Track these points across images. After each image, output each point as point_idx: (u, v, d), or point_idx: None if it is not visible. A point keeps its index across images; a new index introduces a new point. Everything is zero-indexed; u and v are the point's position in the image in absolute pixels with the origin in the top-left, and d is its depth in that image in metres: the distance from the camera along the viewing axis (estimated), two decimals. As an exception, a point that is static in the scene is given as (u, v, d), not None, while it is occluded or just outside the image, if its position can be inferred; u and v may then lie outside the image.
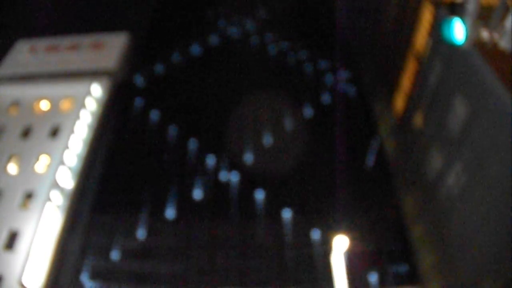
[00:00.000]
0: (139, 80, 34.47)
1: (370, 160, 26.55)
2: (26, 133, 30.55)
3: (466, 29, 9.94)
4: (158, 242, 24.29)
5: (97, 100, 33.07)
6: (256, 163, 27.46)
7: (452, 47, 16.69)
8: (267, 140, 28.73)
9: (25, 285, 22.93)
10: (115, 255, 23.96)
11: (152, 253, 23.93)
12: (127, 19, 41.71)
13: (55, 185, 27.04)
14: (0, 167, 28.51)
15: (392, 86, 27.39)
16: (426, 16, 21.39)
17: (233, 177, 26.90)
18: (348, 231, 19.03)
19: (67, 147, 28.92)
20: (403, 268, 21.97)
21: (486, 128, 15.25)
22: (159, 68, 35.20)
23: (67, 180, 28.06)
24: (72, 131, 29.86)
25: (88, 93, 32.55)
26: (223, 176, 27.10)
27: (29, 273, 23.41)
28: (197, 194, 26.35)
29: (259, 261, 23.07)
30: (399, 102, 26.44)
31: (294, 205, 25.11)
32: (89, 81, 33.31)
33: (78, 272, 23.55)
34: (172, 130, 30.04)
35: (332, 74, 32.62)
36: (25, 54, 37.04)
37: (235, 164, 27.45)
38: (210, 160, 27.88)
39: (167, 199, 26.13)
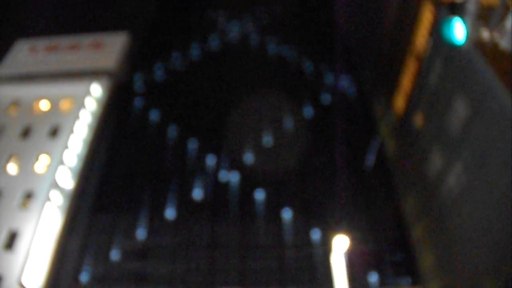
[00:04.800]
0: (139, 80, 34.45)
1: (370, 160, 26.53)
2: (26, 133, 30.53)
3: (467, 29, 9.92)
4: (158, 242, 24.26)
5: (97, 100, 33.04)
6: (256, 163, 27.43)
7: (453, 47, 16.69)
8: (267, 140, 28.70)
9: (25, 285, 22.91)
10: (115, 255, 23.94)
11: (152, 253, 23.90)
12: (127, 19, 41.69)
13: (55, 185, 27.02)
14: (0, 167, 28.50)
15: (392, 86, 27.38)
16: (427, 15, 21.39)
17: (233, 177, 26.89)
18: (348, 231, 19.01)
19: (67, 147, 28.89)
20: (403, 268, 21.94)
21: (486, 128, 15.24)
22: (158, 68, 35.17)
23: (67, 180, 28.03)
24: (72, 131, 29.83)
25: (88, 93, 32.53)
26: (223, 176, 27.08)
27: (29, 273, 23.39)
28: (197, 194, 26.32)
29: (259, 261, 23.06)
30: (399, 102, 26.43)
31: (294, 205, 25.09)
32: (89, 81, 33.28)
33: (78, 272, 23.54)
34: (172, 130, 30.03)
35: (332, 74, 32.57)
36: (25, 54, 37.02)
37: (235, 164, 27.43)
38: (210, 160, 27.86)
39: (166, 199, 26.12)
